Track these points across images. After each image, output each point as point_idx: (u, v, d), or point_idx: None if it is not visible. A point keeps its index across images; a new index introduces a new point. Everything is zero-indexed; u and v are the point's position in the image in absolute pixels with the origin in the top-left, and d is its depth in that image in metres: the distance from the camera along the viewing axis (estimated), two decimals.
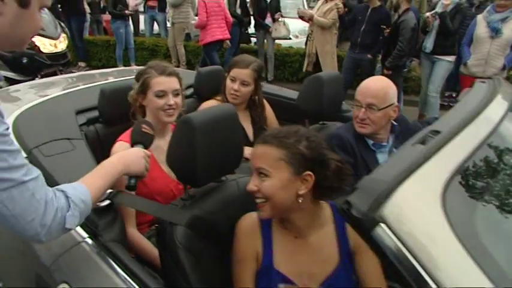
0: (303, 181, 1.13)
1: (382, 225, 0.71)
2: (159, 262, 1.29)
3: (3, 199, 0.88)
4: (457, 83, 5.60)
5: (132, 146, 1.44)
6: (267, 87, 2.53)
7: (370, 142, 1.82)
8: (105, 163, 1.24)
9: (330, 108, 2.14)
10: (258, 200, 1.17)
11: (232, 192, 1.41)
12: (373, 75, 5.90)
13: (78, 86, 2.42)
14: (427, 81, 5.07)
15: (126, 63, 7.67)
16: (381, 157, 1.81)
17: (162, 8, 8.01)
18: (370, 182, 0.78)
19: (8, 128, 0.89)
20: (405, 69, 5.10)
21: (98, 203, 1.27)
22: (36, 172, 0.95)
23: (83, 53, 7.79)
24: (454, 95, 6.03)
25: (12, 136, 0.92)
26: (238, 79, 2.17)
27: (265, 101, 2.34)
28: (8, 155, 0.87)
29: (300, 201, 1.14)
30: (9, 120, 1.77)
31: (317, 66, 5.84)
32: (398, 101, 4.73)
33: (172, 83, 1.71)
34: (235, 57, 2.30)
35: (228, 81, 2.21)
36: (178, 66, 7.36)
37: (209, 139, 1.24)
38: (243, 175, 1.48)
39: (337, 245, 1.23)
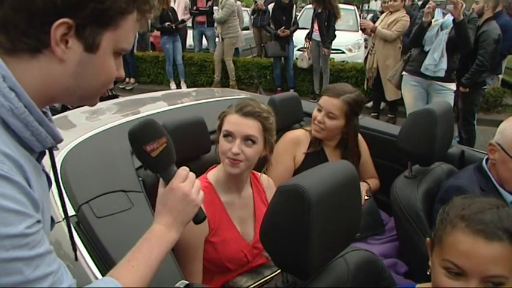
0: None
1: None
2: None
3: None
4: None
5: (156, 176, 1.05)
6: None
7: (509, 197, 1.38)
8: (150, 235, 0.85)
9: (440, 151, 1.66)
10: None
11: (341, 275, 1.05)
12: None
13: (139, 112, 2.17)
14: None
15: (176, 79, 7.53)
16: None
17: (211, 23, 7.83)
18: None
19: (36, 223, 0.61)
20: (485, 87, 4.48)
21: None
22: (67, 282, 0.65)
23: (133, 69, 7.74)
24: None
25: (41, 234, 0.62)
26: (324, 109, 1.82)
27: (360, 138, 1.95)
28: (25, 263, 0.59)
29: None
30: (58, 159, 1.50)
31: (377, 82, 5.44)
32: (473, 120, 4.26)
33: (245, 126, 1.34)
34: (332, 84, 1.96)
35: (315, 110, 1.87)
36: (229, 83, 7.14)
37: (327, 216, 0.88)
38: (351, 248, 1.12)
39: None
